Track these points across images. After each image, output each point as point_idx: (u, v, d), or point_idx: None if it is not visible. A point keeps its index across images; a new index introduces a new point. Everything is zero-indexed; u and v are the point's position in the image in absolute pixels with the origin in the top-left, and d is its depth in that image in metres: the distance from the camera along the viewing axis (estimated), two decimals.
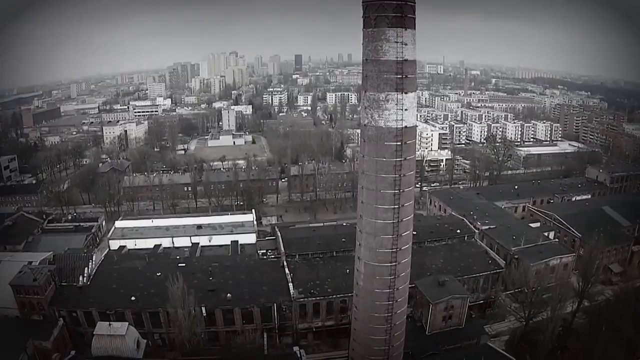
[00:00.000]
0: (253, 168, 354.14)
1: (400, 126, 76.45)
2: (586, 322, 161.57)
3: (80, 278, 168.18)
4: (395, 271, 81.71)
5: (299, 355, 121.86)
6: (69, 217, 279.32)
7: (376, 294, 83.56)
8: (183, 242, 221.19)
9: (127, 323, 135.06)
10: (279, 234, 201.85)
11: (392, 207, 77.98)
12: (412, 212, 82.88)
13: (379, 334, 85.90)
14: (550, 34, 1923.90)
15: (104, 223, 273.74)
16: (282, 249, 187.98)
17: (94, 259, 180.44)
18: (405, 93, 76.00)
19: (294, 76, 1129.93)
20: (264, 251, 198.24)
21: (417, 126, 77.82)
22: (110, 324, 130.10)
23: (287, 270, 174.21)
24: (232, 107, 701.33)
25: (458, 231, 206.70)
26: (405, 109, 76.18)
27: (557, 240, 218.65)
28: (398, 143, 76.84)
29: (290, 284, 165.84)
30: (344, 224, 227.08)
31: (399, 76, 74.78)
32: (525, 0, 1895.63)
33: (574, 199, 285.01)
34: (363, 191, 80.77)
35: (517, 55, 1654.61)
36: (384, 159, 77.50)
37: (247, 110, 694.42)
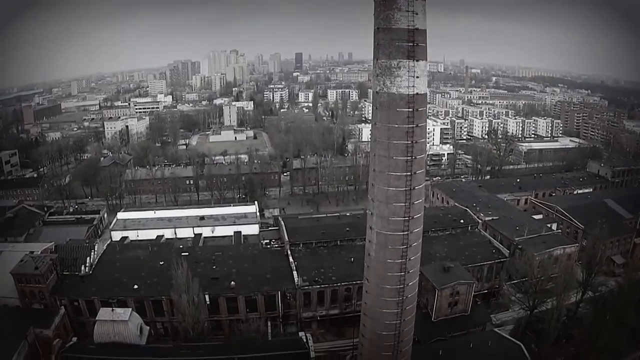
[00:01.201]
0: (255, 162, 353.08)
1: (412, 93, 76.17)
2: (590, 311, 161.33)
3: (82, 267, 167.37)
4: (408, 240, 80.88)
5: (305, 340, 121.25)
6: (71, 210, 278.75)
7: (388, 265, 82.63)
8: (185, 233, 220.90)
9: (130, 309, 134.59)
10: (283, 223, 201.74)
11: (405, 174, 77.47)
12: (423, 180, 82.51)
13: (391, 307, 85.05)
14: (550, 33, 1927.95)
15: (105, 215, 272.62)
16: (286, 237, 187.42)
17: (96, 249, 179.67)
18: (417, 61, 75.95)
19: (295, 74, 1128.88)
20: (267, 241, 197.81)
21: (427, 94, 77.07)
22: (113, 310, 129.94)
23: (291, 259, 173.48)
24: (234, 103, 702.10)
25: (462, 221, 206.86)
26: (417, 76, 76.07)
27: (559, 231, 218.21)
28: (410, 109, 76.44)
29: (295, 272, 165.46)
30: (347, 214, 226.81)
31: (410, 44, 74.87)
32: (525, 0, 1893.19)
33: (575, 192, 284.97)
34: (375, 159, 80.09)
35: (517, 54, 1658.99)
36: (396, 125, 77.03)
37: (249, 106, 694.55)
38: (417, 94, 76.95)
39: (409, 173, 78.44)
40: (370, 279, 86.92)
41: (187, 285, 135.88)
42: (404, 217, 79.69)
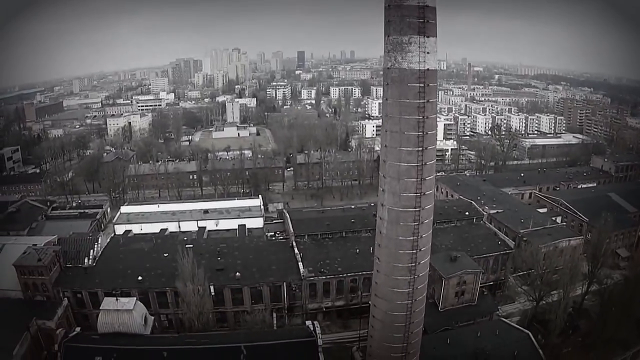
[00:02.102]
0: (259, 156, 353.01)
1: (423, 68, 76.27)
2: (596, 303, 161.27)
3: (86, 260, 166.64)
4: (420, 217, 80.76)
5: (312, 329, 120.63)
6: (74, 205, 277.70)
7: (400, 242, 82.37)
8: (189, 226, 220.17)
9: (134, 298, 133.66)
10: (288, 215, 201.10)
11: (416, 149, 77.61)
12: (434, 157, 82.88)
13: (402, 286, 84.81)
14: (552, 32, 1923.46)
15: (108, 210, 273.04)
16: (291, 229, 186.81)
17: (99, 242, 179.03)
18: (427, 37, 76.19)
19: (297, 72, 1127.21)
20: (272, 233, 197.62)
21: (437, 70, 77.17)
22: (117, 299, 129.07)
23: (296, 250, 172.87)
24: (236, 99, 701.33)
25: (467, 213, 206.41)
26: (427, 52, 76.27)
27: (564, 224, 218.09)
28: (421, 84, 76.53)
29: (300, 263, 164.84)
30: (352, 207, 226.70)
31: (420, 20, 75.08)
32: None
33: (579, 186, 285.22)
34: (387, 134, 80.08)
35: (519, 53, 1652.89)
36: (407, 101, 77.16)
37: (251, 103, 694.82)
38: (428, 69, 76.99)
39: (420, 148, 78.41)
40: (382, 257, 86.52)
41: (193, 274, 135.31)
42: (416, 193, 79.64)
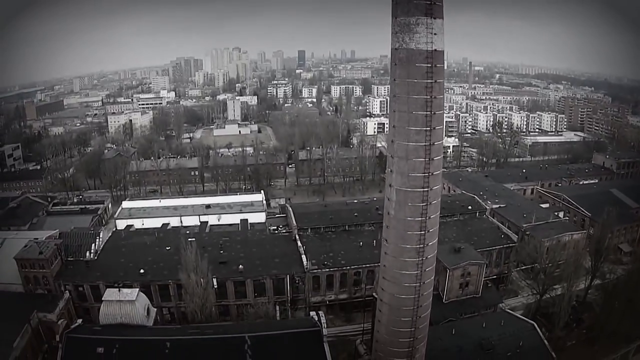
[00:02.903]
0: (261, 152, 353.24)
1: (431, 49, 76.56)
2: (599, 297, 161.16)
3: (87, 253, 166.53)
4: (428, 197, 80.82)
5: (317, 319, 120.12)
6: (74, 200, 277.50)
7: (408, 223, 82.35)
8: (191, 221, 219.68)
9: (137, 289, 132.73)
10: (290, 209, 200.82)
11: (424, 129, 77.99)
12: (442, 136, 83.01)
13: (410, 268, 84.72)
14: (552, 32, 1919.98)
15: (110, 205, 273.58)
16: (294, 222, 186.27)
17: (101, 236, 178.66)
18: (434, 18, 76.46)
19: (298, 71, 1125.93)
20: (275, 227, 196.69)
21: (444, 52, 77.38)
22: (119, 290, 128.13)
23: (299, 244, 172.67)
24: (237, 97, 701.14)
25: (469, 207, 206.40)
26: (435, 34, 76.59)
27: (567, 219, 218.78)
28: (429, 65, 76.83)
29: (303, 256, 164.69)
30: (355, 201, 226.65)
31: (427, 2, 75.62)
32: None
33: (581, 182, 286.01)
34: (395, 115, 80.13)
35: (520, 53, 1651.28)
36: (415, 80, 77.36)
37: (252, 101, 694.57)
38: (435, 50, 77.21)
39: (428, 128, 78.53)
40: (390, 239, 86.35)
41: (196, 265, 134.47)
42: (424, 173, 79.72)
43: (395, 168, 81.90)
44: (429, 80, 77.32)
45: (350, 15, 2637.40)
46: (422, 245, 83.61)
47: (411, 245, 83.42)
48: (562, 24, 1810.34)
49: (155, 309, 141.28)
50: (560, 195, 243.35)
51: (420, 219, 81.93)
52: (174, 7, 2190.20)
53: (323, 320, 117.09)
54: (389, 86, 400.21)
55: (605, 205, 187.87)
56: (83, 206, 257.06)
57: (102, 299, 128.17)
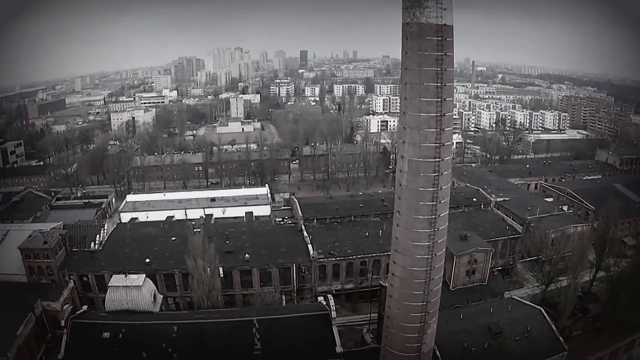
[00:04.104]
0: (265, 148, 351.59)
1: (441, 23, 77.64)
2: (604, 288, 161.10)
3: (92, 244, 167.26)
4: (439, 168, 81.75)
5: (325, 303, 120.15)
6: (78, 195, 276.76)
7: (420, 193, 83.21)
8: (196, 214, 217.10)
9: (144, 275, 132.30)
10: (296, 200, 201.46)
11: (435, 99, 79.18)
12: (452, 108, 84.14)
13: (422, 239, 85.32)
14: (555, 32, 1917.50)
15: (113, 200, 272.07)
16: (300, 213, 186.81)
17: (105, 228, 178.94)
18: None
19: (300, 71, 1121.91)
20: (280, 219, 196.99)
21: (453, 27, 78.15)
22: (126, 275, 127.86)
23: (305, 234, 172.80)
24: (240, 95, 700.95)
25: (474, 199, 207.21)
26: (444, 9, 77.69)
27: (571, 212, 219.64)
28: (439, 38, 77.81)
29: (310, 245, 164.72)
30: (360, 193, 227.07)
31: None
32: None
33: (584, 178, 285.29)
34: (406, 87, 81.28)
35: (522, 53, 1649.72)
36: (426, 53, 78.39)
37: (255, 99, 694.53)
38: (445, 24, 78.12)
39: (439, 99, 79.51)
40: (402, 210, 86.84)
41: (204, 250, 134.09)
42: (435, 143, 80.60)
43: (407, 139, 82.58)
44: (439, 53, 78.26)
45: (352, 15, 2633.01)
46: (434, 216, 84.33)
47: (423, 215, 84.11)
48: (564, 25, 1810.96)
49: (162, 296, 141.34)
50: (564, 189, 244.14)
51: (432, 189, 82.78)
52: (174, 7, 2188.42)
53: (332, 303, 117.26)
54: (391, 85, 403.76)
55: (609, 200, 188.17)
56: (87, 200, 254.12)
57: (108, 284, 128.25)
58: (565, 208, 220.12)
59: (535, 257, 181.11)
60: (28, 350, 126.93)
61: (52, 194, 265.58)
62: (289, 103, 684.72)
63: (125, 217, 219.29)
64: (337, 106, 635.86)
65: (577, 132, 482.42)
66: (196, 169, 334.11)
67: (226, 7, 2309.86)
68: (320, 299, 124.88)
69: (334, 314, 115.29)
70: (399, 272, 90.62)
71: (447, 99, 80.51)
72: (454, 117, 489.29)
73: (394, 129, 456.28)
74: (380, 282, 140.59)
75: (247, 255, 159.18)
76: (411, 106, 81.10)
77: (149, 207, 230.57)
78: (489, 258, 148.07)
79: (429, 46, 78.07)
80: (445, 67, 79.18)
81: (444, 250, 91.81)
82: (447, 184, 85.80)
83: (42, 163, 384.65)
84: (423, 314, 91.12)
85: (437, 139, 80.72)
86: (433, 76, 78.81)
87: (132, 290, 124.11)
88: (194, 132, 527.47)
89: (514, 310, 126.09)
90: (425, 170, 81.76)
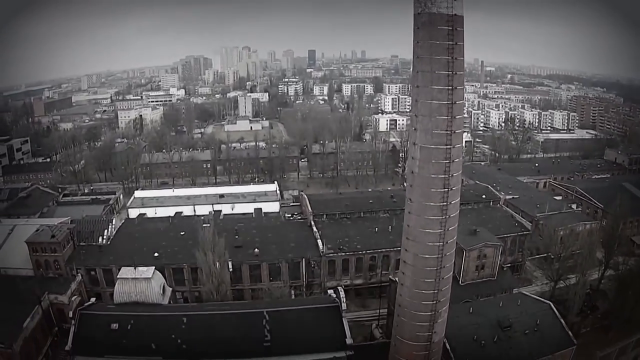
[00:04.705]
0: (274, 146, 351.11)
1: (451, 13, 78.85)
2: (613, 286, 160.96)
3: (100, 239, 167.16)
4: (451, 155, 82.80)
5: (335, 296, 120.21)
6: (85, 192, 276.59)
7: (432, 180, 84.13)
8: (204, 210, 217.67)
9: (153, 267, 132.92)
10: (305, 197, 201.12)
11: (447, 87, 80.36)
12: (463, 96, 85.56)
13: (434, 226, 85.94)
14: (563, 33, 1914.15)
15: (121, 197, 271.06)
16: (310, 209, 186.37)
17: (113, 223, 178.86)
18: None
19: (308, 70, 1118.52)
20: (290, 215, 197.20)
21: (464, 17, 79.15)
22: (135, 268, 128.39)
23: (314, 229, 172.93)
24: (249, 94, 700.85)
25: (483, 196, 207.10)
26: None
27: (580, 209, 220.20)
28: (450, 28, 78.93)
29: (319, 240, 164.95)
30: (369, 190, 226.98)
31: None
32: None
33: (593, 177, 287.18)
34: (418, 75, 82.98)
35: (530, 54, 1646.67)
36: (437, 42, 79.58)
37: (264, 97, 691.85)
38: (455, 14, 79.12)
39: (450, 87, 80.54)
40: (414, 197, 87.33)
41: (214, 244, 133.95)
42: (447, 130, 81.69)
43: (419, 126, 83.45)
44: (450, 42, 79.25)
45: (360, 15, 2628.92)
46: (445, 204, 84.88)
47: (435, 202, 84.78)
48: (573, 26, 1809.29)
49: (171, 289, 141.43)
50: (573, 187, 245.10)
51: (443, 176, 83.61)
52: (182, 7, 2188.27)
53: (342, 295, 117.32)
54: (400, 85, 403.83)
55: (618, 198, 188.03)
56: (94, 197, 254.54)
57: (117, 276, 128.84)
58: (574, 206, 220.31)
59: (544, 255, 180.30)
60: (34, 343, 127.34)
61: (59, 190, 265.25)
62: (297, 102, 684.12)
63: (133, 213, 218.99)
64: (345, 105, 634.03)
65: (586, 132, 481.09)
66: (204, 166, 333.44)
67: (233, 7, 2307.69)
68: (330, 291, 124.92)
69: (344, 305, 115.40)
70: (410, 259, 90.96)
71: (458, 87, 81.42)
72: (464, 115, 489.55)
73: (402, 128, 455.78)
74: (390, 276, 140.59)
75: (256, 249, 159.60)
76: (423, 94, 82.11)
77: (157, 203, 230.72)
78: (498, 253, 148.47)
79: (440, 35, 79.04)
80: (456, 55, 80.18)
81: (455, 238, 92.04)
82: (458, 171, 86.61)
83: (48, 160, 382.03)
84: (434, 302, 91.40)
85: (448, 126, 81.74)
86: (444, 64, 79.75)
87: (141, 282, 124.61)
88: (202, 130, 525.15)
89: (523, 305, 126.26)
90: (437, 157, 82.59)
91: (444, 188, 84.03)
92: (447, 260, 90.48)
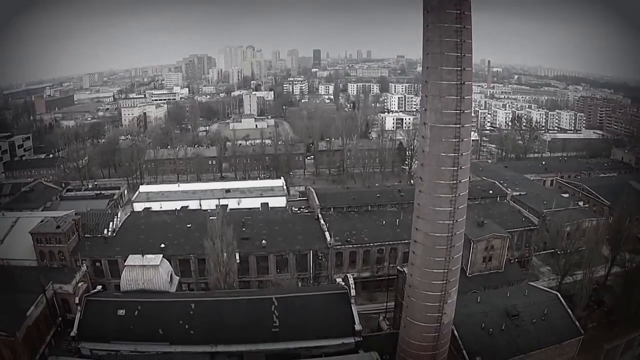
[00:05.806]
0: (279, 143, 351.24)
1: None
2: (619, 282, 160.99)
3: (105, 231, 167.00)
4: (460, 134, 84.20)
5: (344, 284, 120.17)
6: (89, 187, 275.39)
7: (442, 158, 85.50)
8: (211, 204, 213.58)
9: (160, 255, 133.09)
10: (313, 190, 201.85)
11: (456, 69, 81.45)
12: (471, 78, 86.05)
13: (444, 204, 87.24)
14: (571, 34, 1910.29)
15: (125, 192, 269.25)
16: (317, 202, 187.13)
17: (118, 216, 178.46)
18: None
19: (313, 70, 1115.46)
20: (297, 209, 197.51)
21: (471, 2, 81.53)
22: (143, 255, 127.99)
23: (322, 222, 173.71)
24: (254, 92, 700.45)
25: (490, 192, 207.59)
26: None
27: (586, 206, 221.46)
28: (458, 11, 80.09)
29: (327, 232, 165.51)
30: (377, 185, 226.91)
31: None
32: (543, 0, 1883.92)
33: (600, 175, 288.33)
34: (428, 57, 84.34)
35: (538, 55, 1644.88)
36: (446, 25, 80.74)
37: (269, 96, 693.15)
38: None
39: (459, 68, 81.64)
40: (424, 176, 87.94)
41: (222, 233, 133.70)
42: (456, 110, 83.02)
43: (429, 106, 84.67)
44: (458, 26, 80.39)
45: (366, 15, 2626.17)
46: (455, 182, 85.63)
47: (445, 180, 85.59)
48: (581, 27, 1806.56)
49: (179, 277, 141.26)
50: (580, 185, 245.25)
51: (453, 154, 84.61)
52: (184, 6, 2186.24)
53: (351, 281, 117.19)
54: (406, 84, 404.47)
55: (624, 196, 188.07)
56: (98, 191, 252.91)
57: (125, 264, 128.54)
58: (581, 204, 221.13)
59: (551, 250, 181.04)
60: (38, 332, 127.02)
61: (63, 185, 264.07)
62: (302, 100, 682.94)
63: (139, 207, 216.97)
64: (351, 104, 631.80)
65: (593, 132, 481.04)
66: (210, 162, 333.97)
67: (237, 7, 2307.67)
68: (339, 279, 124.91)
69: (353, 292, 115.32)
70: (421, 238, 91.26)
71: (466, 69, 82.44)
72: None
73: (409, 127, 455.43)
74: (398, 267, 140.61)
75: (263, 241, 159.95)
76: (433, 75, 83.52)
77: (162, 197, 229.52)
78: (505, 245, 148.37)
79: (448, 18, 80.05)
80: (464, 38, 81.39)
81: (465, 217, 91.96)
82: (467, 151, 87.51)
83: (51, 156, 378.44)
84: (444, 281, 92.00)
85: (457, 106, 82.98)
86: (453, 46, 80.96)
87: (149, 269, 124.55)
88: (207, 127, 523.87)
89: (531, 295, 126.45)
90: (446, 135, 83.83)
91: (454, 166, 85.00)
92: (457, 240, 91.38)
